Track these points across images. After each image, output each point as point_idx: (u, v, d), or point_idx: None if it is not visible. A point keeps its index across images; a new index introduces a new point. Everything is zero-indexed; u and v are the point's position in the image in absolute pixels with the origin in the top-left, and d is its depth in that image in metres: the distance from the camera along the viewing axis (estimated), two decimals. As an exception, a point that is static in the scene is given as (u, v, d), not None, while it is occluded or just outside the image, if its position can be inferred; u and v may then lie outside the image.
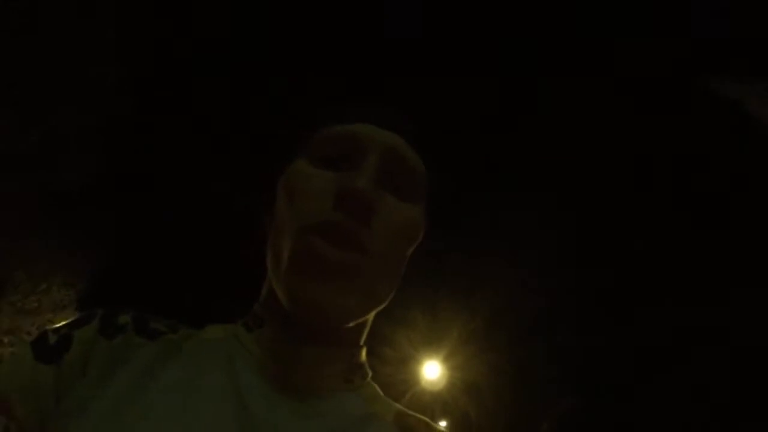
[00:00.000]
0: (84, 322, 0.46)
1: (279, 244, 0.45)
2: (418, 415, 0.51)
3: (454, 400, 9.35)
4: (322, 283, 0.41)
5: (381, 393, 0.51)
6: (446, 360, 9.09)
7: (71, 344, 0.44)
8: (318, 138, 0.47)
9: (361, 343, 0.51)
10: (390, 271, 0.46)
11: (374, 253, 0.43)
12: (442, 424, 9.04)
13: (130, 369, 0.42)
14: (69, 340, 0.44)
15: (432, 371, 9.23)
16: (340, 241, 0.41)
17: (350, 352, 0.48)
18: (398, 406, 0.50)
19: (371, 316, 0.49)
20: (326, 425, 0.44)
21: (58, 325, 0.46)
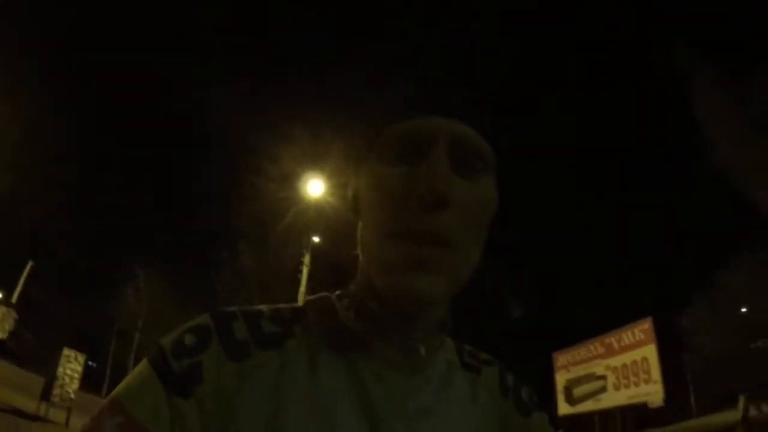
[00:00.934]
0: (205, 343, 0.46)
1: (368, 245, 0.48)
2: (476, 351, 0.61)
3: (337, 214, 9.72)
4: (413, 279, 0.44)
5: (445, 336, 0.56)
6: (330, 177, 9.41)
7: (202, 374, 0.44)
8: (386, 135, 0.48)
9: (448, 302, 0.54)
10: (472, 250, 0.48)
11: (457, 242, 0.45)
12: (315, 239, 9.39)
13: (261, 392, 0.45)
14: (199, 370, 0.44)
15: (315, 188, 9.49)
16: (426, 242, 0.44)
17: (445, 311, 0.53)
18: (454, 343, 0.60)
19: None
20: (433, 391, 0.52)
21: (175, 343, 0.45)
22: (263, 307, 0.52)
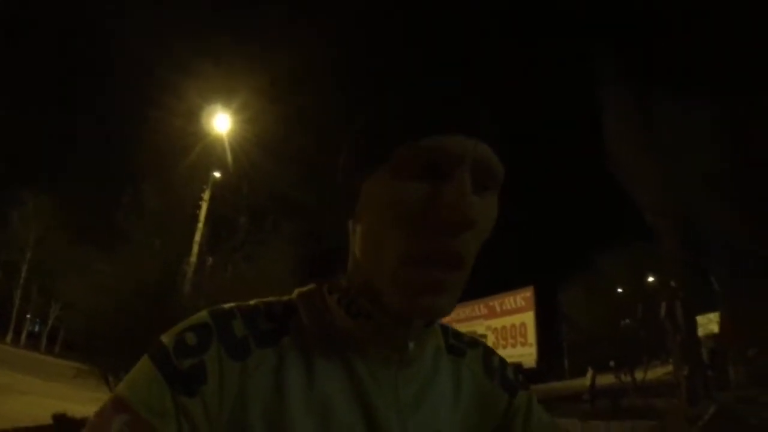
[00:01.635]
0: (206, 342, 0.46)
1: (382, 261, 0.47)
2: (460, 333, 0.64)
3: (244, 151, 9.98)
4: (431, 300, 0.45)
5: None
6: (237, 112, 9.60)
7: (206, 374, 0.44)
8: (405, 148, 0.45)
9: None
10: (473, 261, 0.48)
11: (470, 261, 0.47)
12: (216, 174, 9.64)
13: (262, 390, 0.46)
14: (202, 369, 0.44)
15: (222, 123, 9.63)
16: (449, 267, 0.45)
17: None
18: (439, 326, 0.61)
19: None
20: (421, 381, 0.54)
21: (177, 343, 0.46)
22: (257, 303, 0.53)
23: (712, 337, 14.38)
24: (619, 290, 21.57)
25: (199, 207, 11.24)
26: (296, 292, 0.55)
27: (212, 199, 11.03)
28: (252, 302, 0.52)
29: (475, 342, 0.63)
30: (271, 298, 0.54)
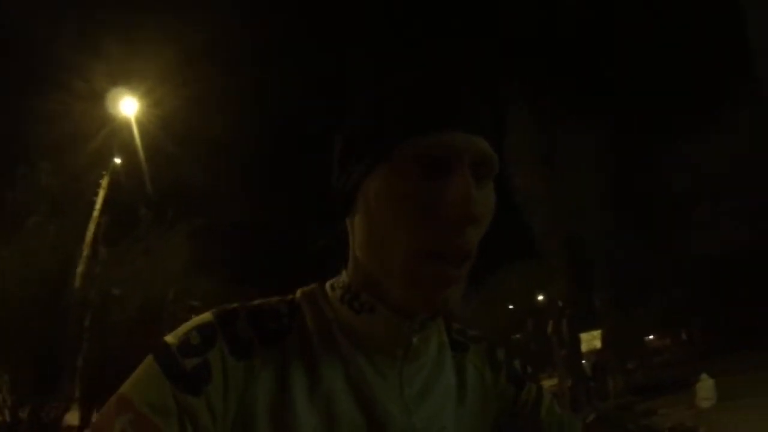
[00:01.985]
0: (211, 342, 0.46)
1: (386, 252, 0.48)
2: (463, 328, 0.64)
3: (150, 135, 9.53)
4: (441, 294, 0.46)
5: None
6: (144, 96, 9.14)
7: (210, 373, 0.44)
8: (406, 146, 0.46)
9: None
10: None
11: (474, 252, 0.47)
12: (117, 161, 9.15)
13: (266, 389, 0.46)
14: (207, 369, 0.44)
15: (129, 107, 9.14)
16: (458, 261, 0.46)
17: None
18: (443, 322, 0.60)
19: None
20: (426, 374, 0.54)
21: (182, 343, 0.46)
22: (260, 302, 0.53)
23: (595, 352, 15.90)
24: (511, 306, 23.22)
25: (95, 192, 10.30)
26: (299, 291, 0.56)
27: (114, 187, 10.17)
28: (256, 302, 0.53)
29: (478, 337, 0.64)
30: (274, 298, 0.54)
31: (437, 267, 0.45)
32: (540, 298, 20.95)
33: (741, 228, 14.40)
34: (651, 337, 36.24)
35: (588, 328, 16.13)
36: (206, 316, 0.49)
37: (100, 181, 10.24)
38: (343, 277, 0.54)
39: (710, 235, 14.45)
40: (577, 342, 14.42)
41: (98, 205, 10.10)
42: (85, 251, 8.57)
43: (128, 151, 10.15)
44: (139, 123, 10.55)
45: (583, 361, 14.76)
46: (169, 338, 0.47)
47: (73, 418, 8.21)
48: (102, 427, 0.42)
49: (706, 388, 7.36)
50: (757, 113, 14.13)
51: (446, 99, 0.47)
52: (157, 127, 10.53)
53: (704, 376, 7.54)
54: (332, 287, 0.55)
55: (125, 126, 10.37)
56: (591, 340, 16.11)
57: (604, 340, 15.47)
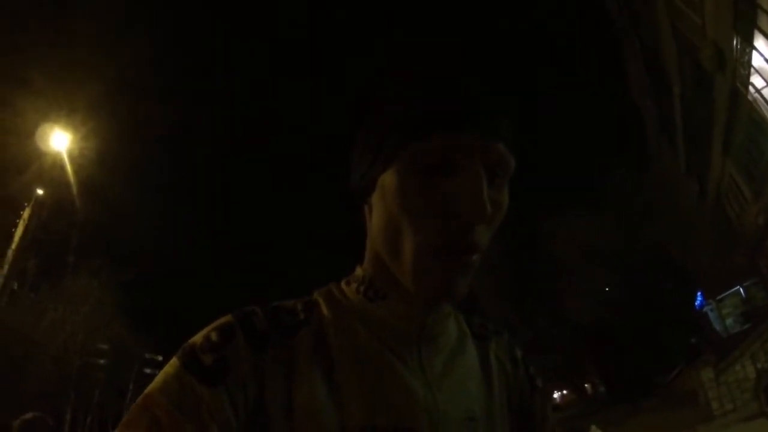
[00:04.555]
0: (230, 338, 0.48)
1: (399, 245, 0.49)
2: (484, 321, 0.65)
3: (82, 169, 9.28)
4: (452, 284, 0.48)
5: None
6: (76, 129, 8.98)
7: (230, 366, 0.46)
8: (422, 144, 0.47)
9: None
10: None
11: (485, 246, 0.49)
12: (39, 192, 8.73)
13: (284, 379, 0.48)
14: (226, 362, 0.46)
15: (60, 141, 8.89)
16: (468, 253, 0.47)
17: None
18: (464, 316, 0.63)
19: None
20: (446, 357, 0.56)
21: (202, 341, 0.47)
22: (277, 303, 0.54)
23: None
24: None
25: (14, 224, 9.80)
26: (315, 292, 0.58)
27: (40, 225, 9.75)
28: (273, 303, 0.54)
29: (499, 331, 0.65)
30: (290, 300, 0.56)
31: (446, 259, 0.47)
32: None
33: (617, 292, 15.96)
34: (563, 392, 38.22)
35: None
36: (225, 317, 0.50)
37: (21, 212, 9.79)
38: (358, 271, 0.57)
39: (592, 300, 15.82)
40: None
41: (17, 237, 9.60)
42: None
43: (59, 183, 9.81)
44: (71, 157, 10.31)
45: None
46: (190, 340, 0.48)
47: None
48: (130, 424, 0.43)
49: (594, 438, 8.29)
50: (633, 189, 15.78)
51: (465, 99, 0.47)
52: (89, 160, 10.29)
53: (593, 427, 8.46)
54: (347, 282, 0.57)
55: (57, 159, 10.09)
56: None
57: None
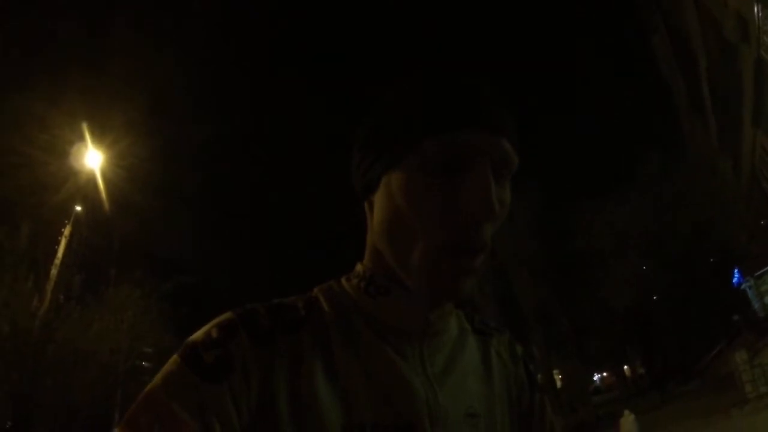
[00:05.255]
0: (232, 334, 0.47)
1: (406, 243, 0.48)
2: (486, 319, 0.65)
3: (115, 186, 9.78)
4: (459, 284, 0.47)
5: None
6: (109, 148, 9.47)
7: (232, 363, 0.45)
8: (431, 143, 0.46)
9: None
10: None
11: (489, 244, 0.48)
12: (78, 208, 9.28)
13: (286, 374, 0.47)
14: (228, 359, 0.45)
15: (93, 159, 9.43)
16: (475, 254, 0.47)
17: None
18: (464, 313, 0.62)
19: None
20: (448, 353, 0.55)
21: (204, 338, 0.47)
22: (278, 300, 0.54)
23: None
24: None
25: (57, 242, 10.45)
26: (315, 288, 0.57)
27: (79, 240, 10.36)
28: (274, 300, 0.54)
29: (499, 328, 0.65)
30: (291, 297, 0.55)
31: (455, 260, 0.46)
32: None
33: (655, 275, 15.65)
34: (603, 374, 37.68)
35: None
36: (226, 314, 0.50)
37: (63, 230, 10.41)
38: (358, 268, 0.56)
39: (630, 283, 15.52)
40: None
41: (60, 254, 10.24)
42: (47, 300, 8.71)
43: (96, 201, 10.37)
44: (104, 175, 10.88)
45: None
46: (192, 337, 0.47)
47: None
48: (131, 422, 0.42)
49: (628, 423, 8.28)
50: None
51: (471, 98, 0.47)
52: (122, 179, 10.83)
53: (626, 412, 8.45)
54: (347, 279, 0.56)
55: (91, 177, 10.66)
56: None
57: (542, 384, 16.38)
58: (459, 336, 0.58)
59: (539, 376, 16.66)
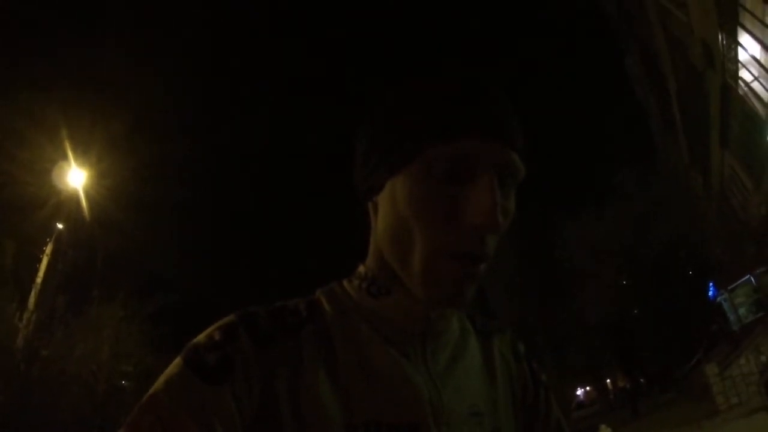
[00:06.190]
0: (233, 336, 0.47)
1: (408, 249, 0.49)
2: (486, 319, 0.64)
3: (98, 206, 9.70)
4: (461, 291, 0.48)
5: None
6: (92, 166, 9.42)
7: (233, 364, 0.45)
8: (437, 150, 0.46)
9: None
10: None
11: (492, 254, 0.49)
12: (60, 226, 9.17)
13: (287, 375, 0.47)
14: (229, 361, 0.45)
15: (76, 178, 9.37)
16: (478, 262, 0.47)
17: None
18: (466, 313, 0.62)
19: None
20: (450, 353, 0.55)
21: (205, 340, 0.47)
22: (280, 303, 0.54)
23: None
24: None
25: (38, 259, 10.35)
26: (318, 291, 0.57)
27: (61, 258, 10.28)
28: (276, 304, 0.54)
29: (501, 327, 0.65)
30: (293, 299, 0.55)
31: (456, 267, 0.47)
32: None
33: (631, 288, 16.11)
34: (587, 389, 38.03)
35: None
36: (228, 317, 0.50)
37: (44, 248, 10.32)
38: (360, 269, 0.56)
39: (607, 297, 15.79)
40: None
41: (41, 272, 10.13)
42: (30, 324, 8.62)
43: (78, 220, 10.30)
44: (87, 193, 10.84)
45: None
46: (193, 340, 0.48)
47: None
48: (132, 424, 0.42)
49: (604, 437, 8.53)
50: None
51: (479, 106, 0.47)
52: (105, 198, 10.79)
53: (603, 426, 8.68)
54: (349, 281, 0.57)
55: (74, 196, 10.62)
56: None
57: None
58: (461, 336, 0.59)
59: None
